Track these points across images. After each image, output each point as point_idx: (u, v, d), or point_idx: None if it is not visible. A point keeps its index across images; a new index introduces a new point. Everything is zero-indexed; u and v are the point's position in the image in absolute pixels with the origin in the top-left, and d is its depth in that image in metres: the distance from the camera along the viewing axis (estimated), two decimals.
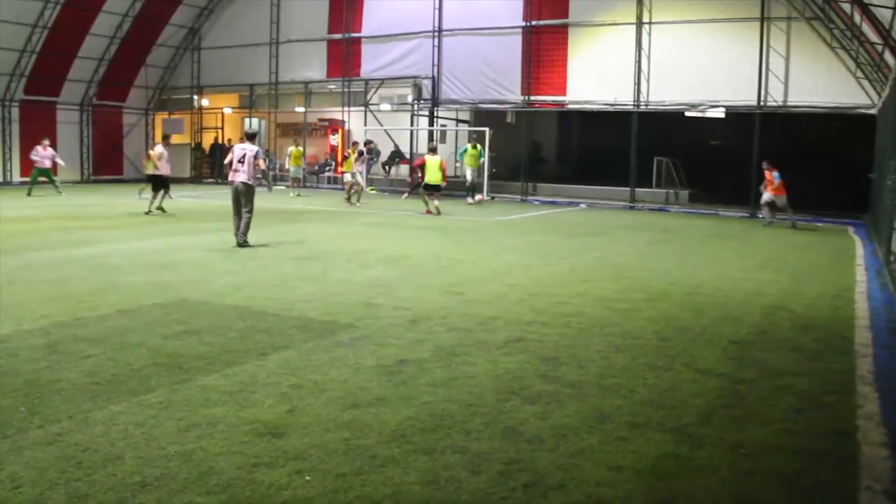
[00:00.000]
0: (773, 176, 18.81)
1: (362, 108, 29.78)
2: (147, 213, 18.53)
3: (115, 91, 33.94)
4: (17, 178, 30.13)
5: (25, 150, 30.43)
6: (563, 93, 26.04)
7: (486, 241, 14.57)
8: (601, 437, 4.83)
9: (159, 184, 19.07)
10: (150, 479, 4.13)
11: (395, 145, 29.80)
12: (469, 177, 24.46)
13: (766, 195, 19.23)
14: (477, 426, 4.99)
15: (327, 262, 11.49)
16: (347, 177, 23.05)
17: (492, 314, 8.22)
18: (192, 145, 34.92)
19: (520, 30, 26.68)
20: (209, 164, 34.71)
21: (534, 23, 26.33)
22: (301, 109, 32.03)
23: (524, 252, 13.06)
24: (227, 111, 34.97)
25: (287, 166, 27.70)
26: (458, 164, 25.72)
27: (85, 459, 4.37)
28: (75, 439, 4.66)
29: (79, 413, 5.10)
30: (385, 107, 29.86)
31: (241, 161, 12.90)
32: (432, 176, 19.36)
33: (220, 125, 35.10)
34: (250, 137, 13.70)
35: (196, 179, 33.77)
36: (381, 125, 29.09)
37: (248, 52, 32.79)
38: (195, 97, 34.93)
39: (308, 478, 4.18)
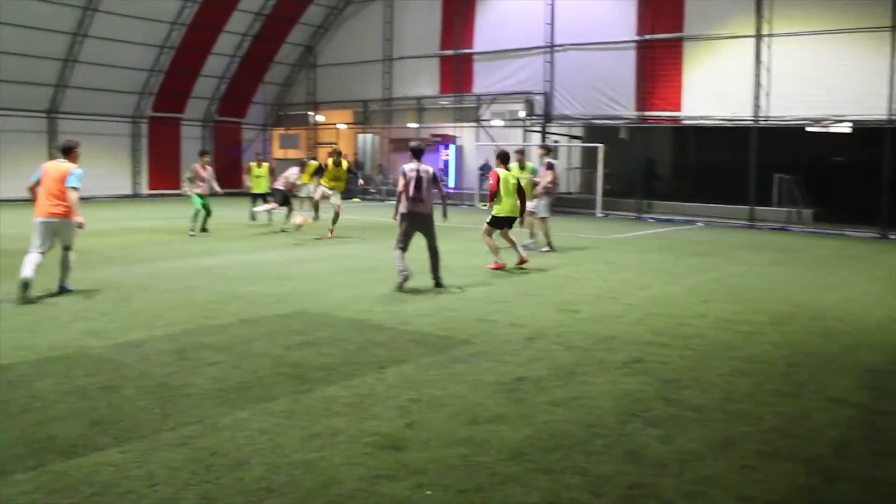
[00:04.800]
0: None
1: (474, 125, 29.95)
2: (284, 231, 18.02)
3: (235, 108, 35.31)
4: (145, 190, 31.73)
5: (154, 164, 32.10)
6: (678, 108, 25.45)
7: (600, 258, 14.34)
8: (727, 465, 4.66)
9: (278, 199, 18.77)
10: (275, 486, 4.23)
11: None
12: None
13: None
14: (597, 447, 4.90)
15: (443, 276, 11.54)
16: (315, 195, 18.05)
17: (609, 333, 8.08)
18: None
19: (633, 44, 26.28)
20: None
21: (648, 37, 25.87)
22: (414, 125, 32.47)
23: (640, 271, 12.79)
24: (342, 127, 35.78)
25: (297, 182, 19.31)
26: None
27: (214, 463, 4.52)
28: (205, 443, 4.82)
29: (207, 417, 5.28)
30: (497, 123, 29.93)
31: (417, 187, 10.43)
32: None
33: (335, 141, 35.94)
34: (417, 154, 10.76)
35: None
36: (493, 141, 29.16)
37: (362, 69, 33.51)
38: (311, 113, 35.90)
39: (429, 492, 4.19)
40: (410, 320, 8.49)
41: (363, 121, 34.57)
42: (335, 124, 35.75)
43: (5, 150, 26.48)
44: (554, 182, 15.29)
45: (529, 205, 13.61)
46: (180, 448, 4.74)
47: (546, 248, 14.94)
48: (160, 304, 9.15)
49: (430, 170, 10.72)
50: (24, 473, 4.35)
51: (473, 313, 8.93)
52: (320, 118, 35.94)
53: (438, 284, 10.72)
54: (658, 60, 25.71)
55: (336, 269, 12.19)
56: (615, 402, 5.83)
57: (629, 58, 26.34)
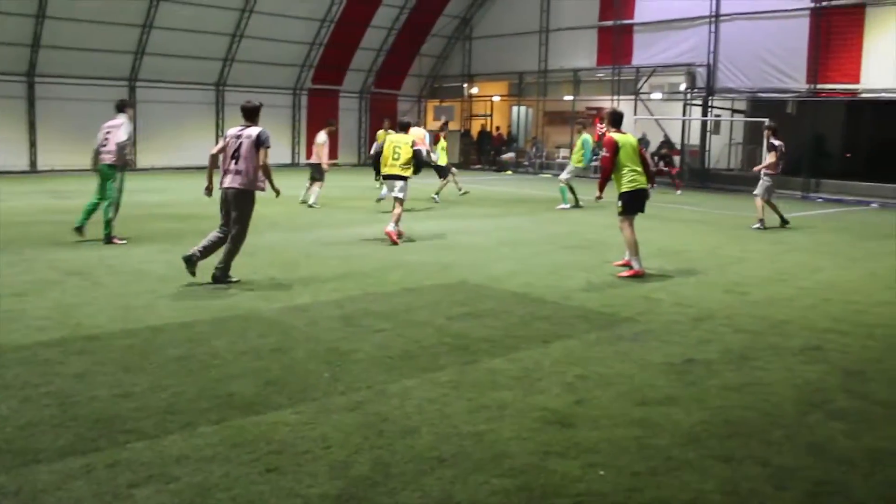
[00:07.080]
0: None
1: (632, 97, 29.11)
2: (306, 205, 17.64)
3: (390, 79, 35.81)
4: (304, 160, 32.82)
5: (312, 135, 33.08)
6: (856, 80, 23.71)
7: (766, 238, 13.64)
8: None
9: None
10: (446, 456, 4.23)
11: (666, 136, 28.87)
12: None
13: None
14: (777, 438, 4.63)
15: (599, 252, 11.32)
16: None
17: (782, 318, 7.63)
18: (461, 132, 36.03)
19: (808, 12, 24.64)
20: (476, 151, 35.67)
21: (825, 4, 24.19)
22: (569, 98, 31.94)
23: (811, 252, 12.06)
24: (496, 99, 35.68)
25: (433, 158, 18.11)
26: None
27: (385, 429, 4.57)
28: (374, 409, 4.89)
29: (375, 384, 5.36)
30: (656, 96, 28.95)
31: (235, 156, 8.53)
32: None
33: (489, 113, 35.92)
34: (249, 114, 8.74)
35: (463, 165, 34.72)
36: (652, 115, 28.29)
37: (518, 41, 33.14)
38: (465, 85, 35.98)
39: (602, 472, 4.07)
40: (572, 295, 8.34)
41: (517, 93, 34.33)
42: (490, 96, 35.69)
43: (182, 121, 28.23)
44: (776, 163, 14.93)
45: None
46: (351, 413, 4.83)
47: (758, 225, 14.91)
48: (324, 271, 9.39)
49: (255, 133, 8.53)
50: (208, 426, 4.56)
51: (636, 291, 8.67)
52: (474, 90, 35.96)
53: (219, 278, 8.60)
54: (835, 29, 24.03)
55: (494, 242, 12.16)
56: (794, 391, 5.50)
57: (802, 26, 24.73)
